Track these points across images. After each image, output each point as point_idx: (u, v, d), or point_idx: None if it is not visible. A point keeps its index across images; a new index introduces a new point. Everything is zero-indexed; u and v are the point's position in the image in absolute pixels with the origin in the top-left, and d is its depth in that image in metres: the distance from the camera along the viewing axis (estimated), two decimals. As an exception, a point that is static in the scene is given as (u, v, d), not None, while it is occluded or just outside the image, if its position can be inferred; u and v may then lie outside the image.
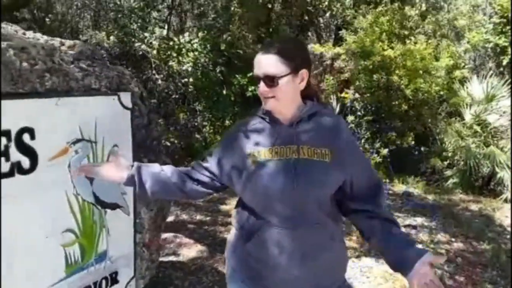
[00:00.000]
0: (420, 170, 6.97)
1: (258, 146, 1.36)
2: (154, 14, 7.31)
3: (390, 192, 5.95)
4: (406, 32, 6.08)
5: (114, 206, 1.70)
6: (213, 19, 6.90)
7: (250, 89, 6.79)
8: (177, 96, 6.93)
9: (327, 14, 7.70)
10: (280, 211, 1.31)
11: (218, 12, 6.98)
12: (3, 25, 1.60)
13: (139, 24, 6.46)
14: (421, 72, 6.03)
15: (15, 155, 1.31)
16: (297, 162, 1.31)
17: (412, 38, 5.73)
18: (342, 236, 1.47)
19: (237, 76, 6.81)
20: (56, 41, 1.77)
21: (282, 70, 1.30)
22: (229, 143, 1.42)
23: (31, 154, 1.36)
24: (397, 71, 5.89)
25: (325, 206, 1.36)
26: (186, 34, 6.52)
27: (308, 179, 1.30)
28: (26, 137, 1.34)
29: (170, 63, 6.60)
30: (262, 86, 1.31)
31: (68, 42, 1.80)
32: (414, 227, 4.40)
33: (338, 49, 6.54)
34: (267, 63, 1.30)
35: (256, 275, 1.38)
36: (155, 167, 1.44)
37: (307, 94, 1.42)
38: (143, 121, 1.92)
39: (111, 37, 6.04)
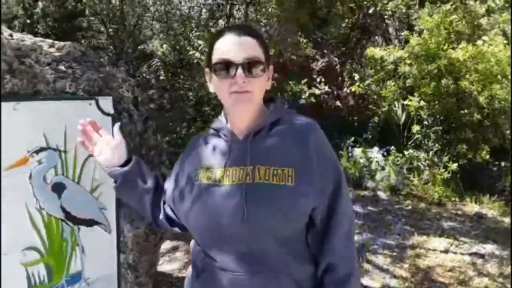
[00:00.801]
0: (498, 188, 6.12)
1: (209, 166, 1.12)
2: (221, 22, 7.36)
3: (459, 212, 5.28)
4: (480, 32, 5.37)
5: (90, 223, 1.54)
6: (264, 25, 6.73)
7: (304, 96, 6.49)
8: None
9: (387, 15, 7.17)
10: (229, 251, 1.04)
11: (268, 17, 6.80)
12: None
13: (196, 33, 6.50)
14: (498, 77, 5.28)
15: (-40, 163, 1.19)
16: (250, 188, 1.03)
17: (486, 38, 5.03)
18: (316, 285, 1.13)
19: (290, 82, 6.54)
20: (45, 43, 1.66)
21: (264, 57, 1.08)
22: (181, 162, 1.20)
23: (-19, 162, 1.23)
24: (467, 76, 5.21)
25: (289, 245, 1.05)
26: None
27: (262, 211, 1.02)
28: (-26, 144, 1.21)
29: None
30: (240, 75, 1.03)
31: (58, 44, 1.69)
32: (482, 255, 3.78)
33: (400, 52, 5.99)
34: (250, 45, 1.06)
35: None
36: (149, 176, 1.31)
37: (266, 98, 1.16)
38: (135, 128, 1.74)
39: (164, 45, 6.13)
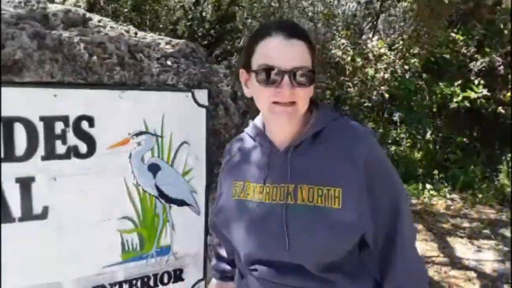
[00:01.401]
0: None
1: (245, 181, 1.05)
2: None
3: None
4: None
5: (180, 203, 1.68)
6: (403, 20, 6.20)
7: (455, 99, 5.78)
8: (369, 104, 6.55)
9: None
10: (270, 269, 0.99)
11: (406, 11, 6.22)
12: (113, 24, 1.79)
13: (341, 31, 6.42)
14: None
15: (72, 140, 1.45)
16: (292, 212, 0.95)
17: None
18: None
19: (440, 84, 5.90)
20: (164, 40, 1.87)
21: (311, 65, 0.98)
22: (222, 170, 1.17)
23: (89, 140, 1.48)
24: None
25: (336, 268, 0.97)
26: (375, 38, 6.07)
27: (306, 240, 0.93)
28: (84, 124, 1.46)
29: (366, 69, 6.29)
30: (287, 85, 0.93)
31: (174, 42, 1.89)
32: None
33: None
34: (298, 51, 0.95)
35: None
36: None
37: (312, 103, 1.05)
38: (231, 120, 1.84)
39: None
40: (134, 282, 1.64)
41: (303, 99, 0.97)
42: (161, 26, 6.79)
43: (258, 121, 1.13)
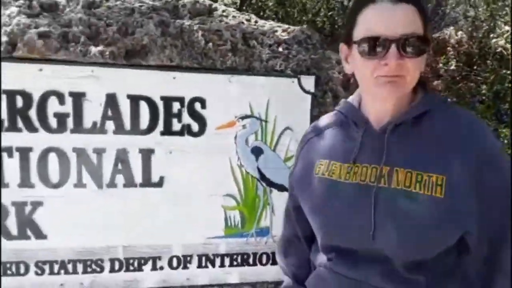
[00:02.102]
0: None
1: (331, 157, 0.97)
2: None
3: None
4: None
5: (281, 188, 1.71)
6: None
7: None
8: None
9: None
10: (349, 257, 0.91)
11: None
12: (235, 14, 1.90)
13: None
14: None
15: (187, 119, 1.60)
16: (383, 195, 0.85)
17: None
18: None
19: None
20: (281, 28, 1.91)
21: (423, 31, 0.84)
22: (301, 147, 1.09)
23: (201, 120, 1.61)
24: None
25: (425, 268, 0.85)
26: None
27: (396, 231, 0.83)
28: (197, 105, 1.60)
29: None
30: (394, 55, 0.81)
31: (291, 29, 1.91)
32: None
33: None
34: (407, 17, 0.82)
35: None
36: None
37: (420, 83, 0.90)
38: (341, 108, 1.78)
39: (459, 33, 5.51)
40: (234, 257, 1.74)
41: (413, 73, 0.84)
42: (304, 18, 6.87)
43: (352, 97, 1.02)
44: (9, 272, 1.59)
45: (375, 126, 0.92)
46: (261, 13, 6.53)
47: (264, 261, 1.77)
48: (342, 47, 0.96)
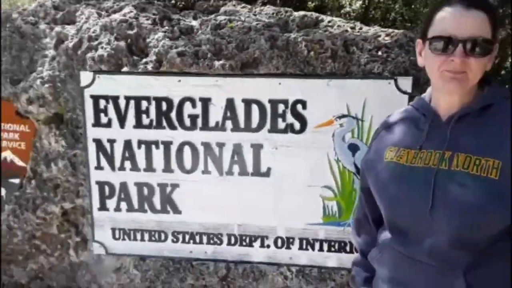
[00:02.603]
0: None
1: (400, 145, 1.10)
2: None
3: None
4: None
5: (377, 182, 1.83)
6: None
7: None
8: None
9: None
10: (406, 235, 1.04)
11: None
12: (341, 23, 2.07)
13: None
14: None
15: (290, 118, 1.85)
16: (441, 175, 0.97)
17: None
18: None
19: None
20: (384, 33, 2.03)
21: (491, 35, 0.96)
22: (378, 133, 1.23)
23: (302, 119, 1.84)
24: None
25: (477, 252, 0.94)
26: None
27: (451, 203, 0.94)
28: (299, 107, 1.84)
29: None
30: (460, 53, 0.93)
31: (393, 33, 2.01)
32: None
33: None
34: (476, 21, 0.94)
35: None
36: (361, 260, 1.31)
37: (488, 79, 0.99)
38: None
39: None
40: (332, 243, 1.93)
41: (475, 71, 0.95)
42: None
43: (425, 94, 1.16)
44: (153, 238, 2.06)
45: (442, 117, 1.04)
46: (387, 15, 6.41)
47: (360, 250, 1.91)
48: (418, 42, 1.10)
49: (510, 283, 0.94)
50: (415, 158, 1.04)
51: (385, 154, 1.12)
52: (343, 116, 1.81)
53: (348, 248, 1.92)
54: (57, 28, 2.07)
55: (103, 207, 2.06)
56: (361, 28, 2.06)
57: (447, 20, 0.97)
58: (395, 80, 1.76)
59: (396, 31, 2.02)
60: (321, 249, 1.93)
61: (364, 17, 6.08)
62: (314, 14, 2.09)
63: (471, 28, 0.93)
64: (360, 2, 6.34)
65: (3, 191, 2.23)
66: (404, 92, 1.75)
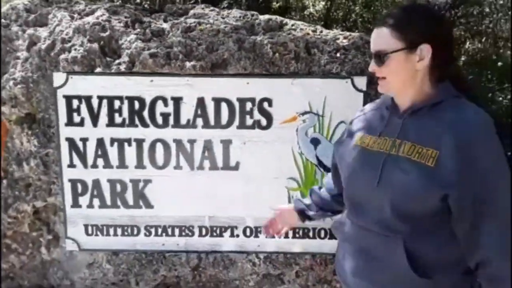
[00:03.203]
0: None
1: (365, 131, 1.27)
2: None
3: None
4: None
5: (337, 173, 2.00)
6: None
7: None
8: None
9: None
10: (358, 207, 1.22)
11: None
12: (303, 26, 2.23)
13: None
14: None
15: (257, 115, 1.99)
16: (390, 159, 1.14)
17: None
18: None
19: None
20: (342, 35, 2.20)
21: (393, 45, 1.12)
22: (353, 119, 1.39)
23: (268, 116, 1.99)
24: None
25: (412, 222, 1.11)
26: None
27: (393, 182, 1.11)
28: (265, 104, 1.98)
29: None
30: (371, 64, 1.17)
31: (350, 36, 2.19)
32: None
33: None
34: (377, 37, 1.15)
35: (339, 272, 1.34)
36: (319, 190, 1.53)
37: (442, 77, 1.15)
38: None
39: None
40: (297, 230, 2.08)
41: (392, 73, 1.13)
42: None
43: None
44: (126, 233, 2.13)
45: (400, 110, 1.20)
46: (348, 16, 6.70)
47: (322, 235, 2.08)
48: None
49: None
50: (374, 143, 1.22)
51: (355, 138, 1.30)
52: (306, 112, 1.97)
53: (311, 234, 2.08)
54: (30, 31, 2.11)
55: (75, 204, 2.11)
56: (321, 31, 2.23)
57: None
58: (352, 80, 1.94)
59: (353, 34, 2.21)
60: (286, 236, 2.07)
61: (326, 18, 6.35)
62: (279, 18, 2.24)
63: (375, 43, 1.15)
64: (323, 3, 6.60)
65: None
66: (360, 90, 1.94)
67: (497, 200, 1.05)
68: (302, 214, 1.52)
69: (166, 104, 2.01)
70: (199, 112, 2.01)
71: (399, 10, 1.17)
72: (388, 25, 1.13)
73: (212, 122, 2.01)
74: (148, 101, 2.01)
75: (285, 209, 1.59)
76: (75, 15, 2.15)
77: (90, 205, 2.11)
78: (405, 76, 1.14)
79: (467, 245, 1.09)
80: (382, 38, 1.14)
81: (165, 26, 2.10)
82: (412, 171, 1.08)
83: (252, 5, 4.48)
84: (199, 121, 2.01)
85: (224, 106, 1.99)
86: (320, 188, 1.54)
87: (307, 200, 1.52)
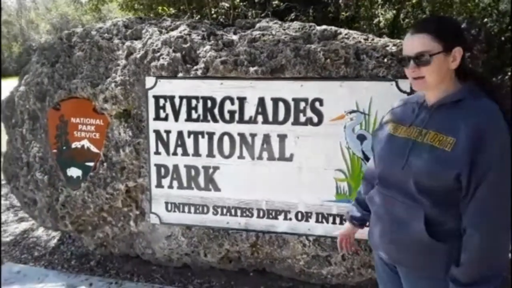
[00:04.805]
0: None
1: (398, 122, 1.50)
2: None
3: None
4: None
5: (381, 166, 2.22)
6: None
7: None
8: None
9: None
10: (389, 183, 1.46)
11: None
12: (355, 35, 2.49)
13: None
14: None
15: (309, 113, 2.28)
16: (417, 144, 1.37)
17: None
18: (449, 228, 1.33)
19: None
20: (392, 43, 2.42)
21: (434, 48, 1.33)
22: (391, 110, 1.62)
23: (319, 114, 2.27)
24: None
25: (429, 195, 1.33)
26: None
27: (418, 162, 1.34)
28: (317, 104, 2.27)
29: None
30: (411, 65, 1.36)
31: (399, 43, 2.40)
32: None
33: None
34: (418, 41, 1.34)
35: (370, 237, 1.59)
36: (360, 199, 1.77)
37: (463, 76, 1.37)
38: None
39: None
40: (343, 217, 2.32)
41: (429, 74, 1.33)
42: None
43: None
44: (197, 211, 2.54)
45: (429, 104, 1.43)
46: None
47: (367, 223, 2.29)
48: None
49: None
50: (405, 131, 1.45)
51: (388, 127, 1.55)
52: (353, 111, 2.22)
53: (357, 222, 2.30)
54: (127, 43, 2.63)
55: (159, 185, 2.57)
56: (373, 39, 2.46)
57: (404, 44, 1.40)
58: (396, 82, 2.16)
59: (402, 41, 2.41)
60: (334, 222, 2.33)
61: (393, 27, 6.40)
62: (334, 28, 2.52)
63: (414, 47, 1.33)
64: (394, 12, 6.66)
65: (79, 173, 2.81)
66: (404, 92, 2.14)
67: (497, 183, 1.24)
68: (359, 222, 1.77)
69: (232, 103, 2.39)
70: (259, 110, 2.35)
71: (437, 19, 1.41)
72: (430, 31, 1.33)
73: (270, 118, 2.34)
74: (218, 101, 2.41)
75: (343, 232, 1.84)
76: (163, 30, 2.63)
77: (170, 186, 2.55)
78: (441, 75, 1.35)
79: (463, 215, 1.29)
80: (424, 42, 1.33)
81: (234, 37, 2.49)
82: (432, 155, 1.31)
83: (318, 16, 4.76)
84: (260, 118, 2.36)
85: (281, 105, 2.32)
86: (359, 191, 1.78)
87: (357, 213, 1.76)
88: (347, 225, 1.83)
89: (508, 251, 1.28)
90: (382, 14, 6.58)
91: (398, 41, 2.43)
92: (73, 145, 2.78)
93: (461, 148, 1.25)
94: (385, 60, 2.27)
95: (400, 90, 2.15)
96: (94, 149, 2.76)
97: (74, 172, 2.81)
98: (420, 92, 1.50)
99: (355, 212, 1.77)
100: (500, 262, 1.27)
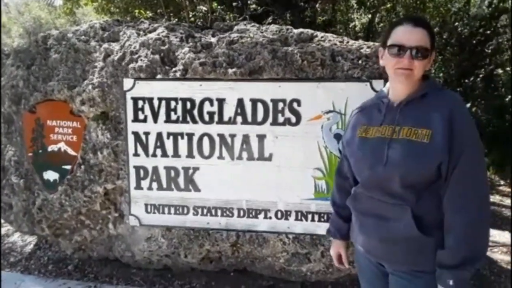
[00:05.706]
0: None
1: (367, 124, 1.53)
2: None
3: None
4: None
5: (357, 165, 2.28)
6: None
7: None
8: None
9: None
10: (371, 184, 1.48)
11: None
12: (331, 38, 2.56)
13: None
14: None
15: (287, 114, 2.33)
16: (394, 141, 1.40)
17: None
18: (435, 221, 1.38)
19: None
20: (366, 45, 2.51)
21: (428, 45, 1.39)
22: (353, 115, 1.66)
23: (297, 114, 2.32)
24: None
25: (414, 188, 1.37)
26: None
27: (397, 161, 1.37)
28: (295, 104, 2.32)
29: None
30: (407, 55, 1.34)
31: (374, 45, 2.48)
32: None
33: None
34: (421, 35, 1.37)
35: (353, 237, 1.62)
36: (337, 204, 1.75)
37: (427, 75, 1.45)
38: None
39: None
40: (322, 215, 2.37)
41: (418, 69, 1.38)
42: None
43: (384, 88, 1.60)
44: (177, 212, 2.54)
45: (394, 103, 1.48)
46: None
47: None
48: (380, 49, 1.54)
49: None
50: (377, 132, 1.48)
51: (357, 131, 1.57)
52: (330, 111, 2.28)
53: (335, 220, 2.36)
54: (105, 45, 2.62)
55: (138, 187, 2.57)
56: (348, 42, 2.54)
57: (401, 33, 1.40)
58: (371, 83, 2.23)
59: (376, 43, 2.49)
60: (313, 220, 2.38)
61: (368, 31, 6.58)
62: (310, 31, 2.58)
63: (416, 40, 1.37)
64: (369, 16, 6.83)
65: (56, 176, 2.77)
66: (377, 92, 2.21)
67: (471, 164, 1.32)
68: (344, 236, 1.73)
69: (212, 104, 2.41)
70: (238, 111, 2.39)
71: (424, 19, 1.46)
72: (427, 28, 1.39)
73: (249, 119, 2.37)
74: (197, 102, 2.43)
75: (335, 251, 1.77)
76: (141, 32, 2.64)
77: (150, 188, 2.55)
78: (423, 71, 1.42)
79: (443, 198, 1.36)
80: (424, 37, 1.38)
81: (213, 40, 2.52)
82: (411, 149, 1.35)
83: (295, 20, 4.84)
84: (239, 119, 2.39)
85: (259, 106, 2.36)
86: (334, 202, 1.77)
87: (343, 228, 1.72)
88: (335, 243, 1.77)
89: (488, 230, 1.35)
90: (357, 18, 6.74)
91: (371, 43, 2.51)
92: (50, 148, 2.74)
93: (439, 137, 1.31)
94: (360, 61, 2.34)
95: (374, 90, 2.22)
96: (71, 152, 2.73)
97: (50, 175, 2.77)
98: (381, 93, 1.56)
99: (341, 228, 1.73)
100: (482, 242, 1.33)
